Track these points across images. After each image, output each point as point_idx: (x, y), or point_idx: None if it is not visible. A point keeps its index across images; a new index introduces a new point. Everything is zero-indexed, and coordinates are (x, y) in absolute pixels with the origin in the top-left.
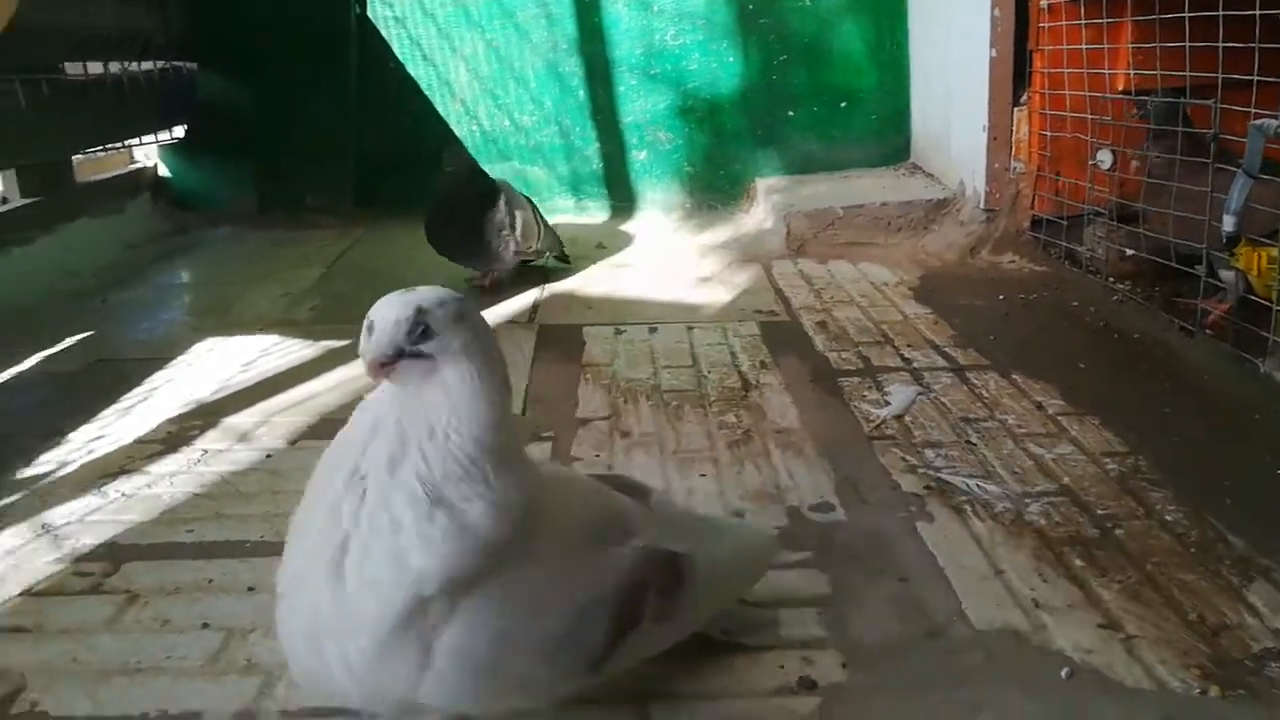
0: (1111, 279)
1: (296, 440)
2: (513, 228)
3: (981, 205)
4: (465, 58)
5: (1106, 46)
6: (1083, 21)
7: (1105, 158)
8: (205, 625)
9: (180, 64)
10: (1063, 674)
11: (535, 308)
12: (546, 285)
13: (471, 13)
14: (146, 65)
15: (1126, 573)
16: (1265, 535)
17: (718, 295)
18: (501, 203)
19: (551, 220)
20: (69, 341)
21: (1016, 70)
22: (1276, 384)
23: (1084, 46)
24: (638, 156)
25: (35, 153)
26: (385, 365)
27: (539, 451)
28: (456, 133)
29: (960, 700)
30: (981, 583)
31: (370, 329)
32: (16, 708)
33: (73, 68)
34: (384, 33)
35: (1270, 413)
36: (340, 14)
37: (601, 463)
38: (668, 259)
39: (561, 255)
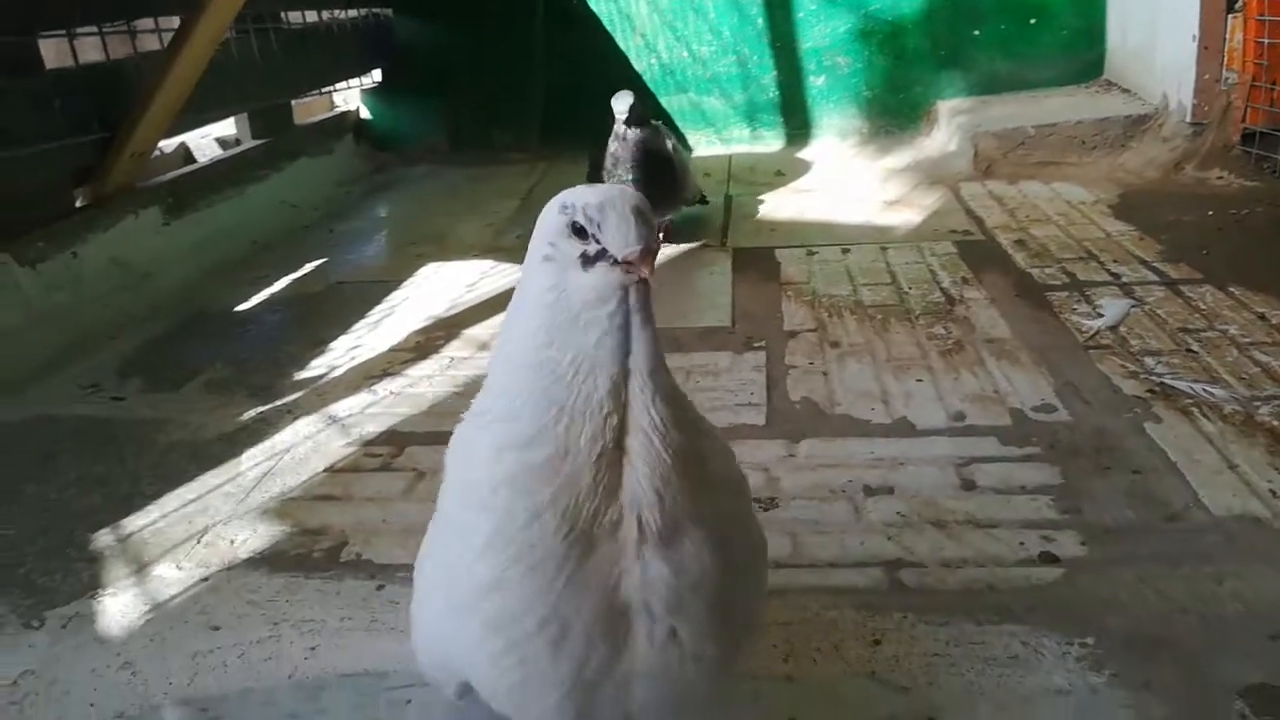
0: None
1: None
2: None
3: (1188, 119)
4: None
5: None
6: None
7: None
8: None
9: (378, 10)
10: None
11: (724, 230)
12: (730, 209)
13: None
14: (351, 13)
15: None
16: None
17: (907, 217)
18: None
19: (727, 150)
20: (308, 267)
21: None
22: None
23: None
24: (815, 83)
25: (266, 96)
26: None
27: (753, 359)
28: (636, 67)
29: (1204, 574)
30: (1215, 475)
31: (639, 216)
32: (344, 555)
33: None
34: None
35: None
36: None
37: (816, 370)
38: (848, 184)
39: (701, 199)
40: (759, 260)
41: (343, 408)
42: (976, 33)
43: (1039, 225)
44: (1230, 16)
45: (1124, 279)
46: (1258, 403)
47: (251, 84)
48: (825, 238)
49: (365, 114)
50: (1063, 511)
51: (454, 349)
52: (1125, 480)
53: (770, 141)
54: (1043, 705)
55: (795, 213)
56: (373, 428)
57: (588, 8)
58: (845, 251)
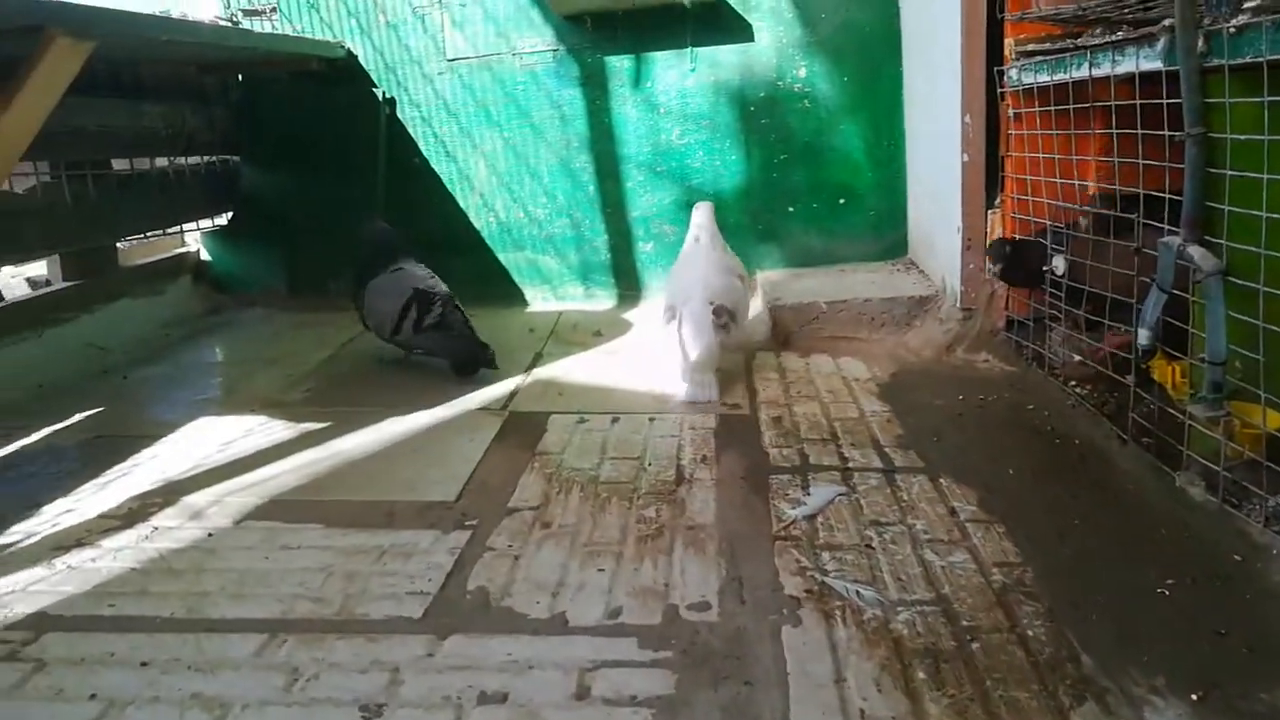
0: (1072, 382)
1: (242, 520)
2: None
3: (958, 304)
4: (485, 154)
5: (1075, 157)
6: (1054, 131)
7: (1059, 264)
8: (92, 696)
9: (226, 158)
10: None
11: (513, 394)
12: (533, 370)
13: (492, 113)
14: (194, 160)
15: (963, 688)
16: (1117, 654)
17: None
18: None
19: (561, 306)
20: (78, 416)
21: (990, 174)
22: (1188, 497)
23: (1056, 155)
24: (644, 248)
25: (75, 240)
26: None
27: (455, 540)
28: (475, 224)
29: None
30: (818, 690)
31: None
32: None
33: (119, 162)
34: (411, 131)
35: (1174, 526)
36: (371, 115)
37: (510, 554)
38: (659, 349)
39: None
40: (528, 426)
41: (6, 584)
42: (791, 209)
43: (804, 402)
44: (990, 212)
45: (851, 464)
46: (900, 607)
47: (55, 228)
48: (603, 404)
49: (205, 255)
50: None
51: (164, 518)
52: (733, 693)
53: (603, 300)
54: None
55: (592, 376)
56: (22, 608)
57: (429, 166)
58: (614, 420)
